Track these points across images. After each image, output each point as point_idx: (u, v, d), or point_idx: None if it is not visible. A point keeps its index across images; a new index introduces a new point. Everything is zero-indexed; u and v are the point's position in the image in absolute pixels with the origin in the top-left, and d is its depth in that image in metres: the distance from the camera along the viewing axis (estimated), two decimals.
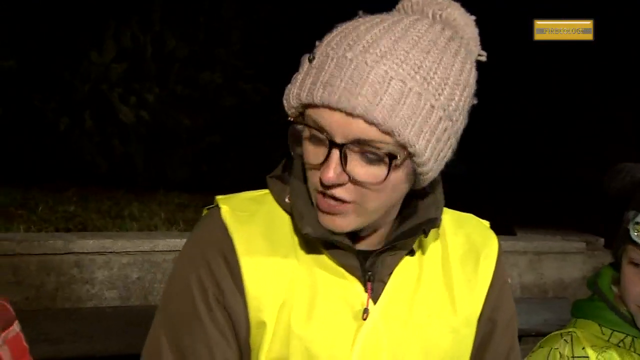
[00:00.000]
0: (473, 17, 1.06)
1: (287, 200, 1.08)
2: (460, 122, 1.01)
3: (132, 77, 6.98)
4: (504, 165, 11.20)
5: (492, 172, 10.57)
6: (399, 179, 0.99)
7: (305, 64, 1.00)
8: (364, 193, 0.98)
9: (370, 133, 0.94)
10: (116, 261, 3.75)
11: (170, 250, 3.88)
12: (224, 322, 1.05)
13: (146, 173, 7.01)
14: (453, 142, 1.02)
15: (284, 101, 1.01)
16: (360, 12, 1.03)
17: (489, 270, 1.14)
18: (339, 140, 0.95)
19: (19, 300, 3.44)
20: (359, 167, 0.97)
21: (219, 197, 1.11)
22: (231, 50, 7.42)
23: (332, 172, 0.95)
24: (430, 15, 1.03)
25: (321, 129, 0.96)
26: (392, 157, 0.95)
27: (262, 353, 1.04)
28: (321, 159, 0.97)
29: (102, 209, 5.47)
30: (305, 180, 1.06)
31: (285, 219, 1.08)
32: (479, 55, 1.06)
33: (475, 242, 1.15)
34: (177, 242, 3.91)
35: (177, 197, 6.22)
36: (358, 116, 0.93)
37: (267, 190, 1.12)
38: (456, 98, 0.98)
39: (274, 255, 1.06)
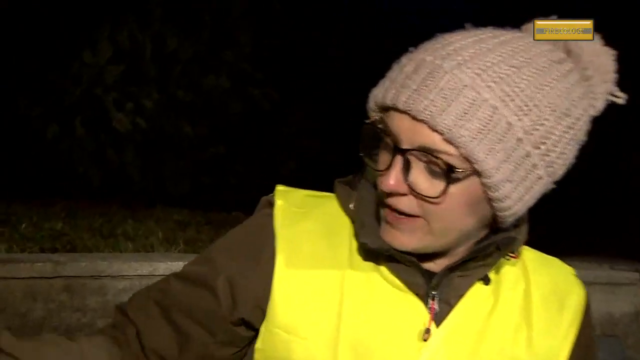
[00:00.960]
0: (613, 51, 1.07)
1: (351, 206, 1.11)
2: (556, 155, 0.98)
3: (129, 80, 6.96)
4: None
5: None
6: (463, 199, 0.98)
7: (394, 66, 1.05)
8: (427, 208, 1.00)
9: (434, 141, 0.96)
10: (111, 286, 3.67)
11: None
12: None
13: (143, 186, 6.98)
14: (544, 177, 0.99)
15: (368, 102, 1.06)
16: (468, 25, 1.05)
17: (575, 320, 1.12)
18: (403, 145, 0.99)
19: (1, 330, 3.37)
20: (421, 178, 0.99)
21: (278, 189, 1.14)
22: (240, 52, 7.42)
23: (392, 179, 0.99)
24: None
25: (389, 133, 1.01)
26: (450, 168, 0.97)
27: None
28: (386, 165, 1.01)
29: (93, 227, 5.41)
30: (374, 188, 1.09)
31: (347, 223, 1.11)
32: (613, 94, 1.06)
33: (560, 286, 1.14)
34: (179, 265, 3.83)
35: (177, 214, 6.17)
36: (422, 121, 0.96)
37: (333, 195, 1.15)
38: (547, 124, 0.96)
39: (323, 260, 1.09)
